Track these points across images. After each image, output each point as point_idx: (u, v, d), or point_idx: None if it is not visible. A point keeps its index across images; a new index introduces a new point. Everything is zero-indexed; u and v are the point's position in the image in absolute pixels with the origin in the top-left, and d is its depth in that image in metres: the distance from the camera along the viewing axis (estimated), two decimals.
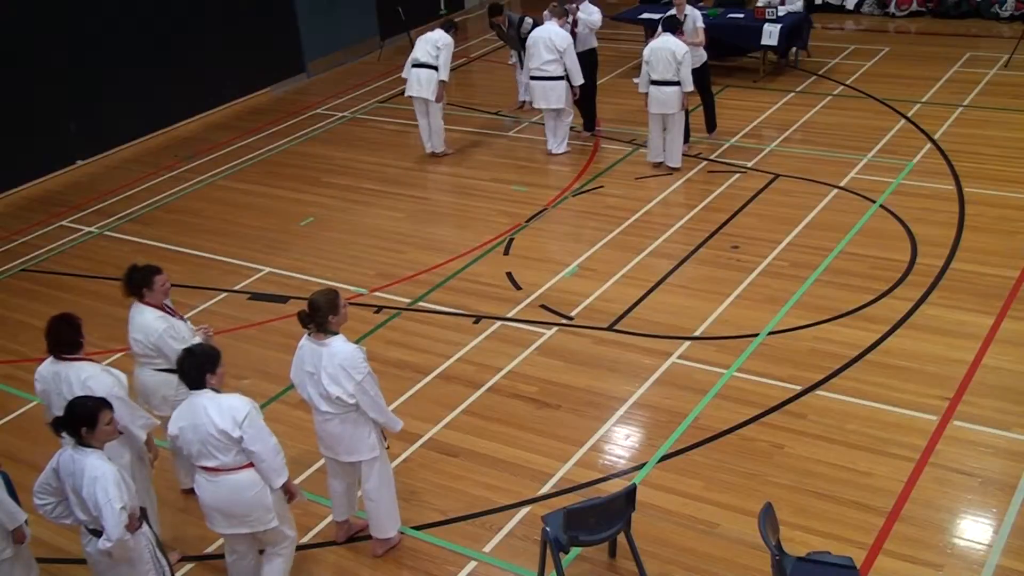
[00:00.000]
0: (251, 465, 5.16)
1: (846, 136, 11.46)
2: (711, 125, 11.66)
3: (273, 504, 5.27)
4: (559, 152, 11.64)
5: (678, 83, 10.36)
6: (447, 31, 11.53)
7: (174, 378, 6.10)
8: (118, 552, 4.78)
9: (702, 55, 11.15)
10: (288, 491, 5.37)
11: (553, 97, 11.17)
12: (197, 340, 6.10)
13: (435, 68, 11.32)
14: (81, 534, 5.01)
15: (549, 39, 10.98)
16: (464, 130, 12.69)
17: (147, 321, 6.04)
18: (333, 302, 5.50)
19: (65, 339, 5.56)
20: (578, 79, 11.11)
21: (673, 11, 10.87)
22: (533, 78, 11.23)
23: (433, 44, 11.38)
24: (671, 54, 10.28)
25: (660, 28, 10.72)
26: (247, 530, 5.29)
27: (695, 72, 10.64)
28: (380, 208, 10.79)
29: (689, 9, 11.09)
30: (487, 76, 15.10)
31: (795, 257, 8.94)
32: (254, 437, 5.09)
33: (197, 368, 5.16)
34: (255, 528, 5.28)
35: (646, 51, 10.54)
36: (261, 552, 5.56)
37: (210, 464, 5.14)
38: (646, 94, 10.59)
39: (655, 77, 10.43)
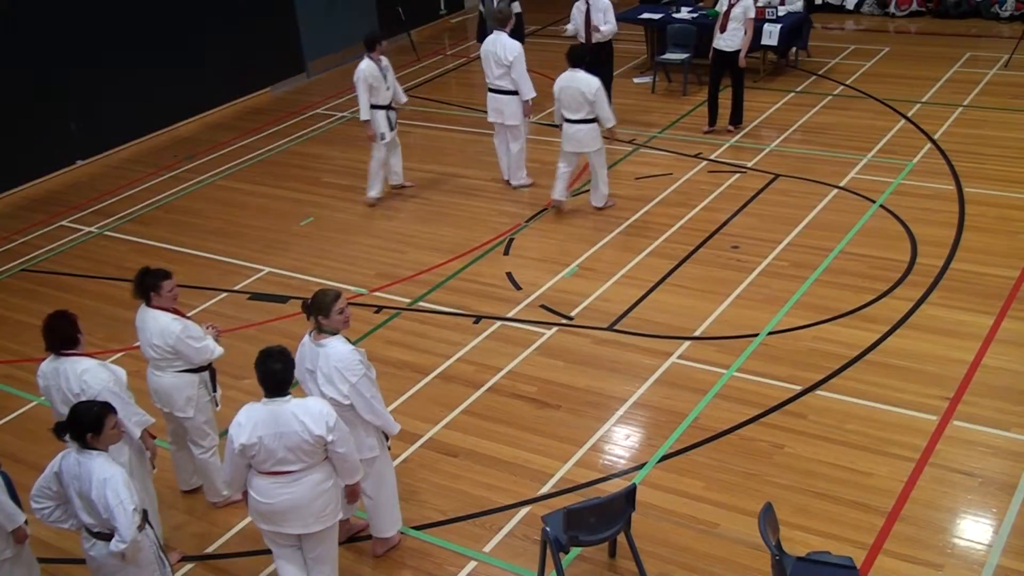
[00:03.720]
0: (324, 460, 5.16)
1: (846, 136, 11.46)
2: (737, 118, 11.83)
3: None
4: (518, 184, 10.83)
5: (593, 120, 9.53)
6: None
7: (196, 377, 6.17)
8: (131, 553, 4.76)
9: (735, 42, 11.28)
10: (354, 491, 5.42)
11: (507, 112, 10.38)
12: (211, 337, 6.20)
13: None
14: (83, 538, 4.97)
15: (495, 53, 10.25)
16: (463, 130, 12.68)
17: (163, 325, 6.00)
18: (322, 303, 5.45)
19: (62, 335, 5.56)
20: (527, 93, 10.25)
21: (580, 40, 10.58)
22: (490, 91, 10.50)
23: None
24: (580, 92, 9.36)
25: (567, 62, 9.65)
26: (319, 527, 5.24)
27: (731, 61, 10.68)
28: (380, 208, 10.78)
29: None
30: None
31: (795, 257, 8.94)
32: (343, 439, 5.12)
33: (285, 375, 5.04)
34: (326, 524, 5.26)
35: (555, 87, 9.62)
36: None
37: (293, 468, 5.06)
38: (560, 127, 9.84)
39: (566, 115, 9.58)
